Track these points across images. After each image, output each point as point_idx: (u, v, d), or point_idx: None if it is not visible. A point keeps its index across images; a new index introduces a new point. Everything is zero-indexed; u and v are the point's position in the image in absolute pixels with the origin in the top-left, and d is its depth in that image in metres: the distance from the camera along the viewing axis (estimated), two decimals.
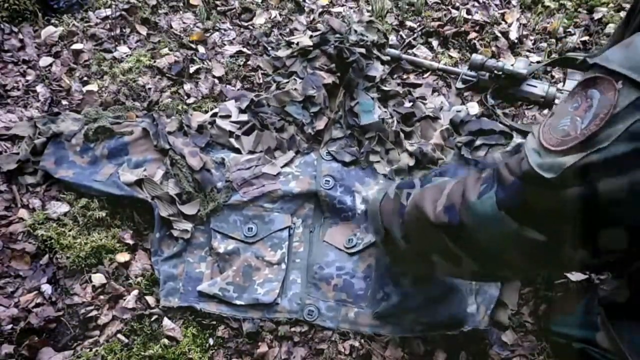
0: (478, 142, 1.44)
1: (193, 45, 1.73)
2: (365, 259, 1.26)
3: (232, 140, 1.42)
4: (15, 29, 1.71)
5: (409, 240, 0.92)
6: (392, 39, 1.79)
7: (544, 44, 1.82)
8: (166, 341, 1.12)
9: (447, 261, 0.84)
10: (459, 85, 1.67)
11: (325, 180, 1.34)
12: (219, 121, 1.44)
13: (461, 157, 1.41)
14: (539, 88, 1.61)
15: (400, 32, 1.84)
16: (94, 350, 1.09)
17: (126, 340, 1.12)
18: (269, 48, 1.73)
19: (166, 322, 1.15)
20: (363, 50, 1.54)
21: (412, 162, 1.40)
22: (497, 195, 0.70)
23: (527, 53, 1.79)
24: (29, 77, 1.59)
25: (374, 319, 1.17)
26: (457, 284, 1.14)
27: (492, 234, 0.73)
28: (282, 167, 1.37)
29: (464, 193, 0.76)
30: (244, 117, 1.45)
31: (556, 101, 1.59)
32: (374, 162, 1.41)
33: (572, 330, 0.96)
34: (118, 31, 1.76)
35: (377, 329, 1.16)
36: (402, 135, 1.44)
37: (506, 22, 1.88)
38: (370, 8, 1.89)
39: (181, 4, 1.89)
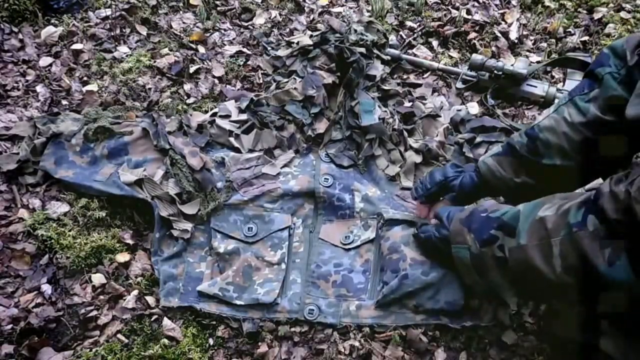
0: (478, 139, 1.44)
1: (193, 45, 1.74)
2: (362, 254, 1.26)
3: (232, 139, 1.42)
4: (15, 29, 1.71)
5: (517, 288, 0.93)
6: (392, 39, 1.79)
7: (544, 44, 1.82)
8: (166, 341, 1.12)
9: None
10: (459, 85, 1.67)
11: (325, 178, 1.35)
12: (218, 121, 1.44)
13: (462, 153, 1.41)
14: (539, 88, 1.61)
15: (400, 32, 1.84)
16: (94, 350, 1.09)
17: (126, 340, 1.12)
18: (269, 48, 1.73)
19: (166, 322, 1.15)
20: (363, 50, 1.54)
21: (419, 159, 1.40)
22: (632, 266, 0.69)
23: (527, 53, 1.79)
24: (29, 77, 1.59)
25: (375, 309, 1.17)
26: (455, 272, 1.15)
27: (623, 290, 0.74)
28: (281, 167, 1.38)
29: (586, 256, 0.74)
30: (244, 117, 1.45)
31: (556, 101, 1.59)
32: (381, 168, 1.41)
33: (574, 334, 0.95)
34: (118, 31, 1.76)
35: (380, 320, 1.16)
36: (405, 133, 1.44)
37: (506, 22, 1.88)
38: (370, 8, 1.89)
39: (181, 4, 1.89)
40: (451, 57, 1.77)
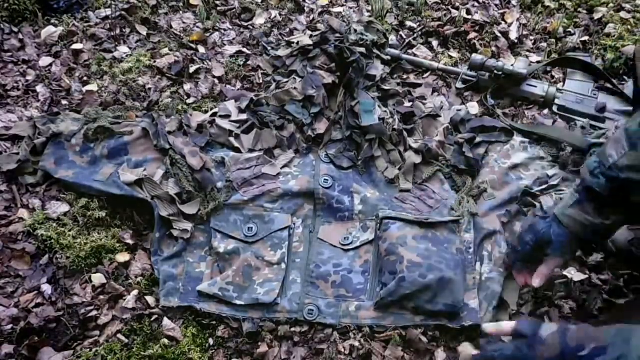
0: (478, 139, 1.44)
1: (193, 45, 1.74)
2: (361, 255, 1.27)
3: (232, 139, 1.42)
4: (15, 29, 1.71)
5: None
6: (392, 39, 1.79)
7: (544, 44, 1.82)
8: (166, 341, 1.12)
9: None
10: (459, 85, 1.67)
11: (324, 179, 1.35)
12: (218, 120, 1.44)
13: (462, 153, 1.41)
14: (539, 88, 1.61)
15: (400, 32, 1.84)
16: (94, 350, 1.09)
17: (126, 340, 1.12)
18: (269, 48, 1.73)
19: (166, 322, 1.15)
20: (363, 50, 1.54)
21: (418, 160, 1.40)
22: None
23: (527, 53, 1.79)
24: (29, 77, 1.59)
25: (375, 310, 1.17)
26: (453, 274, 1.15)
27: None
28: (281, 167, 1.38)
29: None
30: (244, 117, 1.45)
31: (556, 101, 1.59)
32: (380, 170, 1.41)
33: None
34: (118, 31, 1.76)
35: (379, 321, 1.16)
36: (405, 133, 1.44)
37: (506, 22, 1.88)
38: (370, 8, 1.89)
39: (181, 4, 1.89)
40: (451, 57, 1.77)
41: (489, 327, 0.95)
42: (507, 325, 0.90)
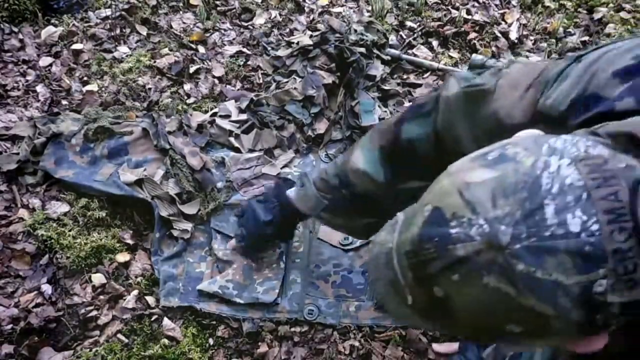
0: None
1: (193, 45, 1.73)
2: (361, 255, 1.27)
3: (232, 139, 1.42)
4: (15, 29, 1.71)
5: None
6: (392, 39, 1.79)
7: (544, 44, 1.82)
8: (166, 341, 1.12)
9: None
10: None
11: None
12: (218, 120, 1.44)
13: None
14: None
15: (400, 32, 1.84)
16: (94, 350, 1.09)
17: (126, 340, 1.12)
18: (269, 48, 1.73)
19: (166, 322, 1.15)
20: (363, 50, 1.54)
21: None
22: None
23: (527, 53, 1.79)
24: (29, 77, 1.59)
25: (375, 310, 1.17)
26: None
27: None
28: (281, 167, 1.38)
29: None
30: (244, 117, 1.45)
31: None
32: None
33: None
34: (118, 31, 1.76)
35: (379, 321, 1.16)
36: None
37: (506, 22, 1.88)
38: (370, 8, 1.89)
39: (181, 4, 1.89)
40: (451, 57, 1.77)
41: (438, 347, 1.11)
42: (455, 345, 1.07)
